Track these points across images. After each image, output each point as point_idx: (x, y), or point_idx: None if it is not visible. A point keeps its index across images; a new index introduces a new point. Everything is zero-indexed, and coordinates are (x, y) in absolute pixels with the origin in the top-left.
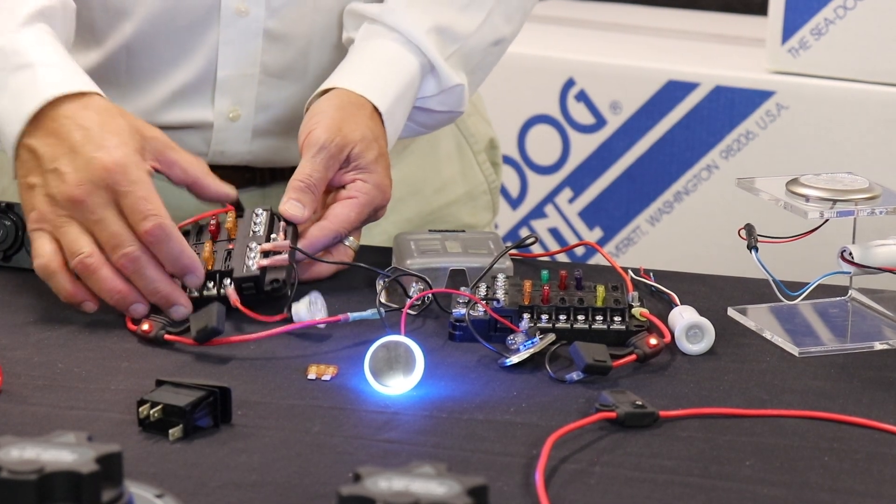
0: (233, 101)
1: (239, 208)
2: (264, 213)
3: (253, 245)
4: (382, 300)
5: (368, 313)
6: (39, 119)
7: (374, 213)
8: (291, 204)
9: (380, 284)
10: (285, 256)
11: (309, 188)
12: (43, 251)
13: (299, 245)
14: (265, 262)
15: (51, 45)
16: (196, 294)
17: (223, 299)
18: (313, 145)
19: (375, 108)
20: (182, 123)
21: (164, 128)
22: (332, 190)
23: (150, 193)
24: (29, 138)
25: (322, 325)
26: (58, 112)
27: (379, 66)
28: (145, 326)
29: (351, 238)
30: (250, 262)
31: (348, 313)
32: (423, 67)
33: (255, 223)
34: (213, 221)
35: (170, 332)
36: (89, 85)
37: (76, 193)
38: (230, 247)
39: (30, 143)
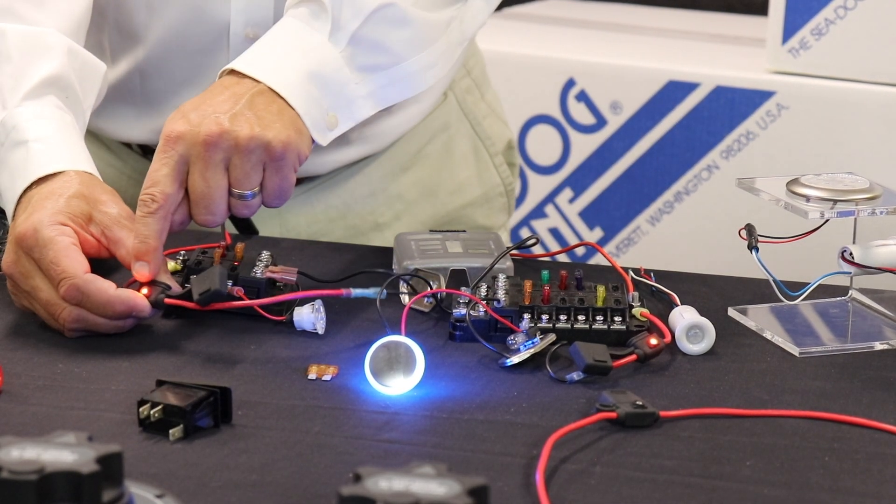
0: None
1: (251, 229)
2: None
3: (260, 262)
4: (405, 301)
5: (371, 291)
6: (22, 198)
7: (187, 154)
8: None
9: (403, 285)
10: (293, 276)
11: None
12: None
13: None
14: (275, 274)
15: (49, 118)
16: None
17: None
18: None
19: (227, 72)
20: None
21: None
22: None
23: (57, 255)
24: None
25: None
26: (31, 192)
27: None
28: (144, 291)
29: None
30: (258, 271)
31: (350, 289)
32: (309, 13)
33: (260, 258)
34: (221, 244)
35: (170, 297)
36: (72, 162)
37: (6, 270)
38: (236, 263)
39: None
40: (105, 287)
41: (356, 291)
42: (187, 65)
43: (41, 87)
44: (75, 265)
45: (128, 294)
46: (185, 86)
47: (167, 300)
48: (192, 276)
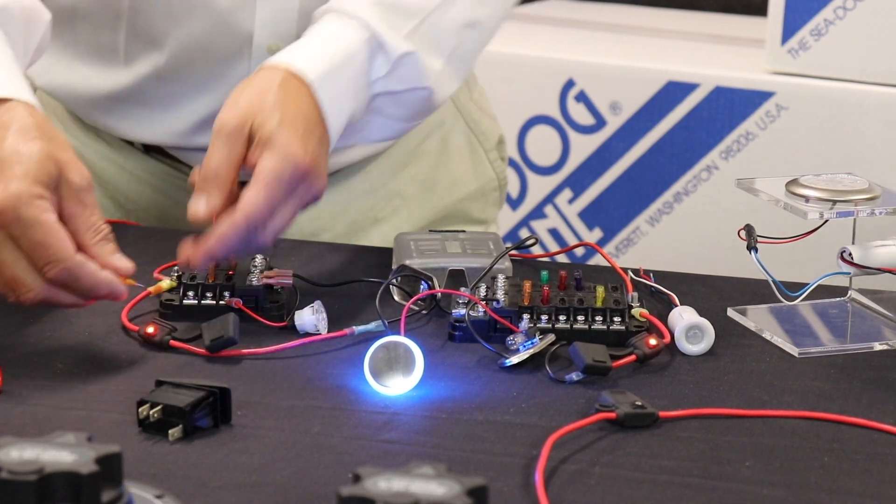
0: None
1: None
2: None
3: (255, 268)
4: (397, 297)
5: (372, 325)
6: None
7: (293, 191)
8: (191, 202)
9: (393, 285)
10: (289, 279)
11: (206, 178)
12: None
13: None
14: (270, 280)
15: None
16: (194, 302)
17: (224, 308)
18: (214, 130)
19: (297, 78)
20: None
21: (195, 150)
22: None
23: (46, 237)
24: None
25: (324, 330)
26: None
27: (312, 39)
28: (150, 329)
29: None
30: (254, 278)
31: (353, 327)
32: (368, 43)
33: (254, 263)
34: None
35: (176, 339)
36: (16, 91)
37: None
38: (230, 272)
39: None
40: (94, 270)
41: (359, 329)
42: (206, 73)
43: None
44: (65, 247)
45: (111, 278)
46: (203, 91)
47: (172, 342)
48: (203, 324)
